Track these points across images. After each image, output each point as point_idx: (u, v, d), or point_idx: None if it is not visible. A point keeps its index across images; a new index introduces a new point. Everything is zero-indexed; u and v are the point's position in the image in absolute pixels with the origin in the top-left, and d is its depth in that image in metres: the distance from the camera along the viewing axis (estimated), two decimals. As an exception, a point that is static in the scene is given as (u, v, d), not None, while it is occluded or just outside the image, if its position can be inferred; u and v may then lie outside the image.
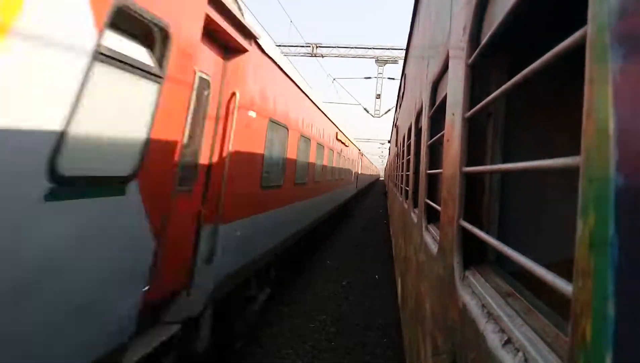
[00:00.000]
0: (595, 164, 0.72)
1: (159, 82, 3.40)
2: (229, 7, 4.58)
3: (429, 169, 3.63)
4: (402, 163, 9.01)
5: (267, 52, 6.12)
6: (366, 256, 14.42)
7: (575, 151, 0.82)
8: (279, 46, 28.86)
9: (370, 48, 30.79)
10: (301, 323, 7.99)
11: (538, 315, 1.19)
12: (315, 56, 30.30)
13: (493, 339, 1.26)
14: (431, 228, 3.40)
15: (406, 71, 9.45)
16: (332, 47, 30.57)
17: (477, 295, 1.58)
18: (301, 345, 7.03)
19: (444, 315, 2.13)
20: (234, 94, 5.21)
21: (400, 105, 12.27)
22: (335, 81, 32.52)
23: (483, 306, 1.47)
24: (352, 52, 30.73)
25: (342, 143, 17.76)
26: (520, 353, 1.09)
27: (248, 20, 5.19)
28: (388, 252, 14.33)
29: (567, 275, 0.85)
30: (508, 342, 1.19)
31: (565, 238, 1.95)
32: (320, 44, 30.32)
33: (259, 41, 5.66)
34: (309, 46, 30.21)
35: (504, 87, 1.36)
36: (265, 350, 6.77)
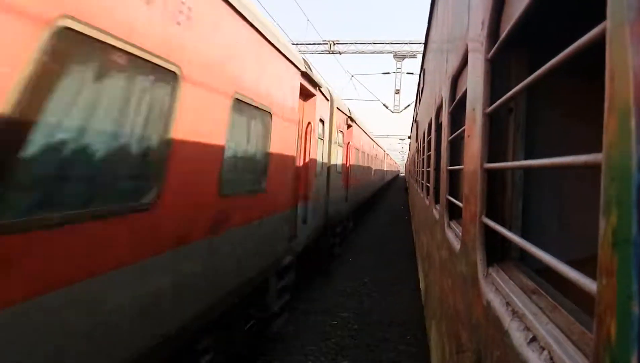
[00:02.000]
0: (616, 162, 0.71)
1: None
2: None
3: (450, 165, 3.60)
4: (423, 159, 8.94)
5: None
6: (388, 253, 14.37)
7: (599, 147, 0.81)
8: (297, 44, 28.87)
9: (388, 43, 30.54)
10: (323, 320, 8.01)
11: (563, 312, 1.18)
12: (333, 53, 30.22)
13: (518, 337, 1.25)
14: (453, 224, 3.38)
15: (425, 66, 9.37)
16: (350, 43, 30.45)
17: (501, 293, 1.57)
18: (324, 342, 7.06)
19: (468, 312, 2.12)
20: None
21: (419, 100, 12.17)
22: (354, 78, 32.40)
23: (507, 303, 1.46)
24: (370, 47, 30.54)
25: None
26: (545, 352, 1.08)
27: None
28: (410, 248, 14.24)
29: (592, 273, 0.84)
30: (533, 339, 1.18)
31: (589, 235, 1.92)
32: (338, 40, 30.21)
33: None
34: (327, 43, 30.13)
35: (524, 82, 1.35)
36: (288, 346, 6.82)
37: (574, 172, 2.36)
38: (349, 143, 13.69)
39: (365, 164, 20.29)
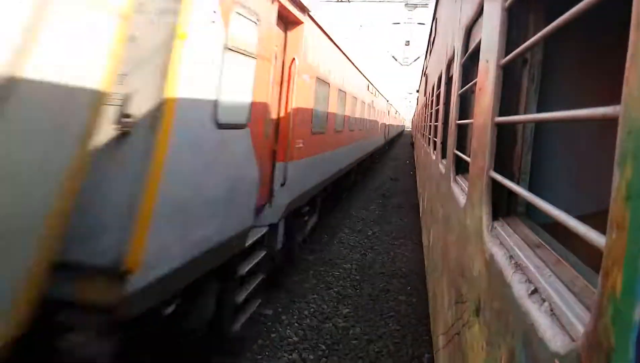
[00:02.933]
0: (635, 115, 0.69)
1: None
2: None
3: (459, 120, 3.55)
4: (431, 113, 8.82)
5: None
6: (392, 207, 14.49)
7: (614, 101, 0.79)
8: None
9: (399, -9, 29.46)
10: (326, 270, 8.20)
11: (566, 266, 1.19)
12: (342, 1, 29.25)
13: (519, 289, 1.27)
14: (459, 179, 3.37)
15: (437, 15, 9.06)
16: (360, -9, 29.40)
17: (505, 246, 1.58)
18: (326, 292, 7.26)
19: (470, 265, 2.15)
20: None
21: (430, 52, 11.85)
22: (362, 28, 31.50)
23: (510, 257, 1.48)
24: (381, -4, 29.50)
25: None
26: (546, 303, 1.10)
27: None
28: (415, 203, 14.34)
29: (600, 228, 0.84)
30: (534, 292, 1.19)
31: (599, 190, 1.91)
32: (348, -12, 29.18)
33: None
34: (336, -10, 29.11)
35: (542, 32, 1.30)
36: (291, 295, 7.03)
37: (586, 128, 2.32)
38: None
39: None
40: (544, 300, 1.12)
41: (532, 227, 1.62)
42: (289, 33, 6.69)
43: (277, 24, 5.77)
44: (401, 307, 6.93)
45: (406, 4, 29.88)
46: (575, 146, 2.32)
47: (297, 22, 6.71)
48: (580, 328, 0.90)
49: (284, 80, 6.58)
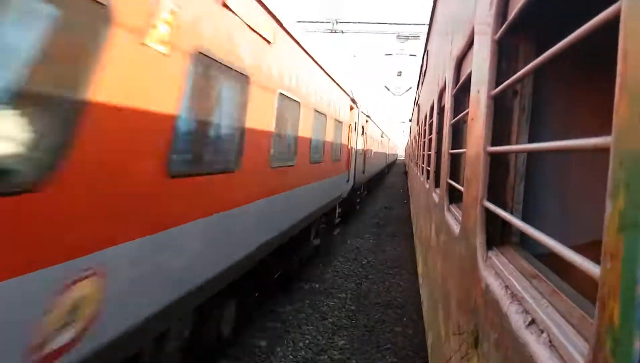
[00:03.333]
0: (626, 145, 0.70)
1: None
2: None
3: (452, 149, 3.59)
4: (424, 142, 8.91)
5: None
6: (386, 236, 14.44)
7: (605, 131, 0.80)
8: (299, 22, 28.51)
9: (391, 24, 30.21)
10: (321, 300, 8.09)
11: (563, 296, 1.19)
12: (335, 32, 29.89)
13: (517, 320, 1.26)
14: (453, 208, 3.37)
15: (429, 47, 9.26)
16: (353, 23, 30.11)
17: (501, 276, 1.58)
18: (321, 322, 7.14)
19: (466, 295, 2.13)
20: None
21: (422, 82, 12.07)
22: (356, 58, 32.10)
23: (507, 287, 1.47)
24: (373, 27, 30.21)
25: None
26: (544, 334, 1.09)
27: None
28: (408, 232, 14.31)
29: (594, 258, 0.84)
30: (532, 322, 1.18)
31: (592, 220, 1.92)
32: (340, 19, 29.89)
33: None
34: (329, 22, 29.79)
35: (532, 64, 1.32)
36: (286, 325, 6.90)
37: (577, 158, 2.35)
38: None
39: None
40: (542, 331, 1.11)
41: (527, 257, 1.62)
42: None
43: None
44: (397, 339, 6.80)
45: (398, 36, 30.59)
46: (567, 176, 2.34)
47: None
48: (580, 360, 0.89)
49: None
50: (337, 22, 29.67)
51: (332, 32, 29.77)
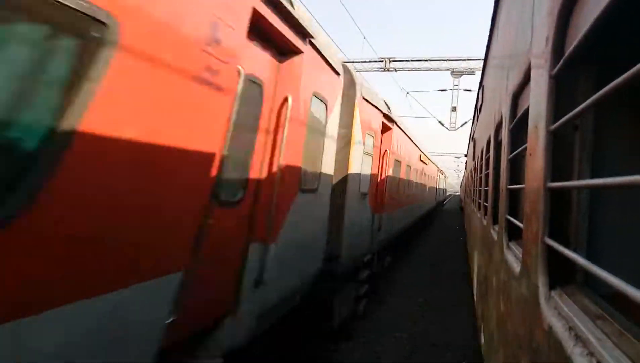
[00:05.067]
0: None
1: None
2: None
3: (510, 184, 3.50)
4: (480, 177, 8.69)
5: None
6: (442, 275, 13.98)
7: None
8: (352, 62, 29.10)
9: (445, 60, 30.11)
10: (376, 339, 7.90)
11: (630, 338, 1.12)
12: (389, 70, 30.19)
13: (582, 363, 1.20)
14: (513, 245, 3.26)
15: (484, 83, 9.16)
16: (406, 60, 30.32)
17: (564, 317, 1.51)
18: None
19: (528, 337, 2.04)
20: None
21: (477, 117, 11.89)
22: (409, 95, 32.14)
23: (570, 328, 1.40)
24: (427, 64, 30.23)
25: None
26: (611, 379, 1.03)
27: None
28: (466, 271, 13.79)
29: None
30: (598, 366, 1.12)
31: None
32: (394, 58, 30.19)
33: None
34: (382, 61, 30.18)
35: (591, 99, 1.31)
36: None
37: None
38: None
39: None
40: (609, 376, 1.06)
41: (592, 297, 1.54)
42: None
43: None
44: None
45: (452, 72, 30.41)
46: (633, 213, 2.22)
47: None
48: (652, 408, 0.84)
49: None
50: (390, 61, 30.01)
51: (385, 70, 30.11)
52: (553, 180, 1.82)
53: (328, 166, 6.25)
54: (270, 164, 4.39)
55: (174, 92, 2.68)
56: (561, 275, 1.79)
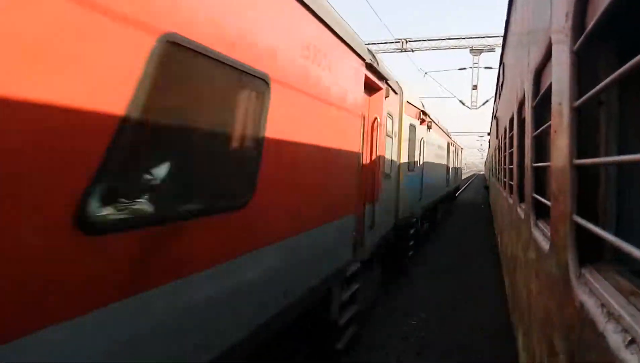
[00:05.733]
0: None
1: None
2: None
3: (535, 162, 3.46)
4: (505, 156, 8.57)
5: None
6: (469, 256, 13.89)
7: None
8: (369, 44, 28.78)
9: (463, 38, 29.49)
10: (402, 320, 7.95)
11: (664, 314, 1.13)
12: (406, 51, 29.78)
13: (615, 339, 1.21)
14: (540, 223, 3.24)
15: (504, 60, 8.98)
16: (423, 40, 29.84)
17: (595, 294, 1.51)
18: (401, 342, 7.01)
19: (559, 314, 2.04)
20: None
21: (499, 95, 11.67)
22: (427, 75, 31.67)
23: (602, 305, 1.41)
24: (444, 43, 29.70)
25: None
26: (646, 354, 1.05)
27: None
28: (493, 249, 13.66)
29: None
30: (632, 342, 1.13)
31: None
32: (410, 38, 29.75)
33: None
34: (399, 42, 29.77)
35: (615, 74, 1.30)
36: (369, 350, 6.86)
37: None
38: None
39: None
40: (643, 351, 1.07)
41: (623, 273, 1.54)
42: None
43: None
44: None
45: (471, 50, 29.79)
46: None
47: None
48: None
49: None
50: (406, 42, 29.58)
51: (402, 51, 29.71)
52: (579, 157, 1.81)
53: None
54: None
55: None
56: (591, 252, 1.79)
